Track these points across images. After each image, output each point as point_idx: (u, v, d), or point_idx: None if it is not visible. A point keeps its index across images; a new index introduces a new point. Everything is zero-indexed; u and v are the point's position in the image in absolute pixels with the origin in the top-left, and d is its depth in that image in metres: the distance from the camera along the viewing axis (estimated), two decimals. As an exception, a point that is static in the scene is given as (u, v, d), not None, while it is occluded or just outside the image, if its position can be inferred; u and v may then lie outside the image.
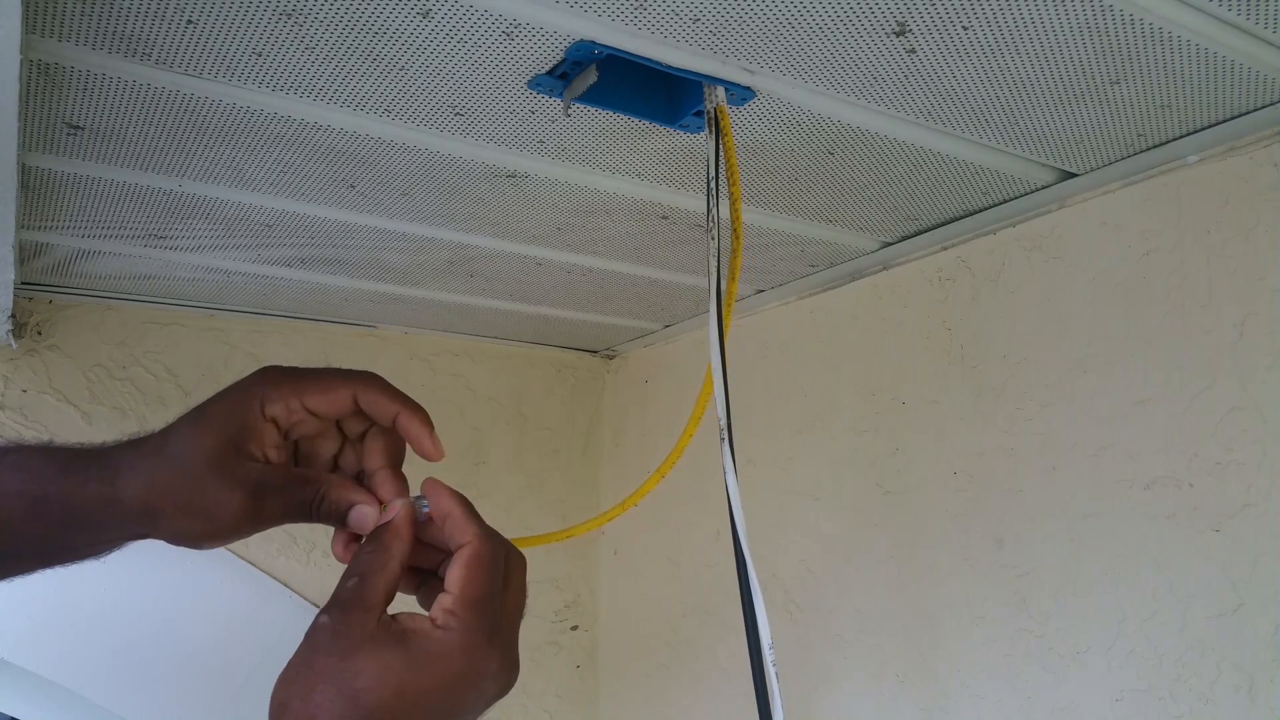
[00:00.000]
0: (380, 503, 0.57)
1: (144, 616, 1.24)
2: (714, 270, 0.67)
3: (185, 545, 0.55)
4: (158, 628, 1.25)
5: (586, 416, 1.68)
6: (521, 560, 0.54)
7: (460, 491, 0.56)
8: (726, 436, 0.65)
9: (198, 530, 0.54)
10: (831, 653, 1.15)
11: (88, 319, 1.27)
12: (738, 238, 0.68)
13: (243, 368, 1.35)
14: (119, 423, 1.27)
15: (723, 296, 0.66)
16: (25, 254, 1.07)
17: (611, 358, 1.70)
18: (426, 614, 0.50)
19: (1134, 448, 0.86)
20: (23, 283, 1.18)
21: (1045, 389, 0.95)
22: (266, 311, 1.36)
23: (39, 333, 1.24)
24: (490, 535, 0.53)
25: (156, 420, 1.29)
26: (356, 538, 0.57)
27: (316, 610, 0.49)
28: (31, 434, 1.22)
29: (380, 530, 0.53)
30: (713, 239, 0.68)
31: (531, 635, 1.54)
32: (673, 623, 1.45)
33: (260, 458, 0.55)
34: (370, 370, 0.59)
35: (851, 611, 1.14)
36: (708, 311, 0.67)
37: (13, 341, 1.21)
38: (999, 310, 1.01)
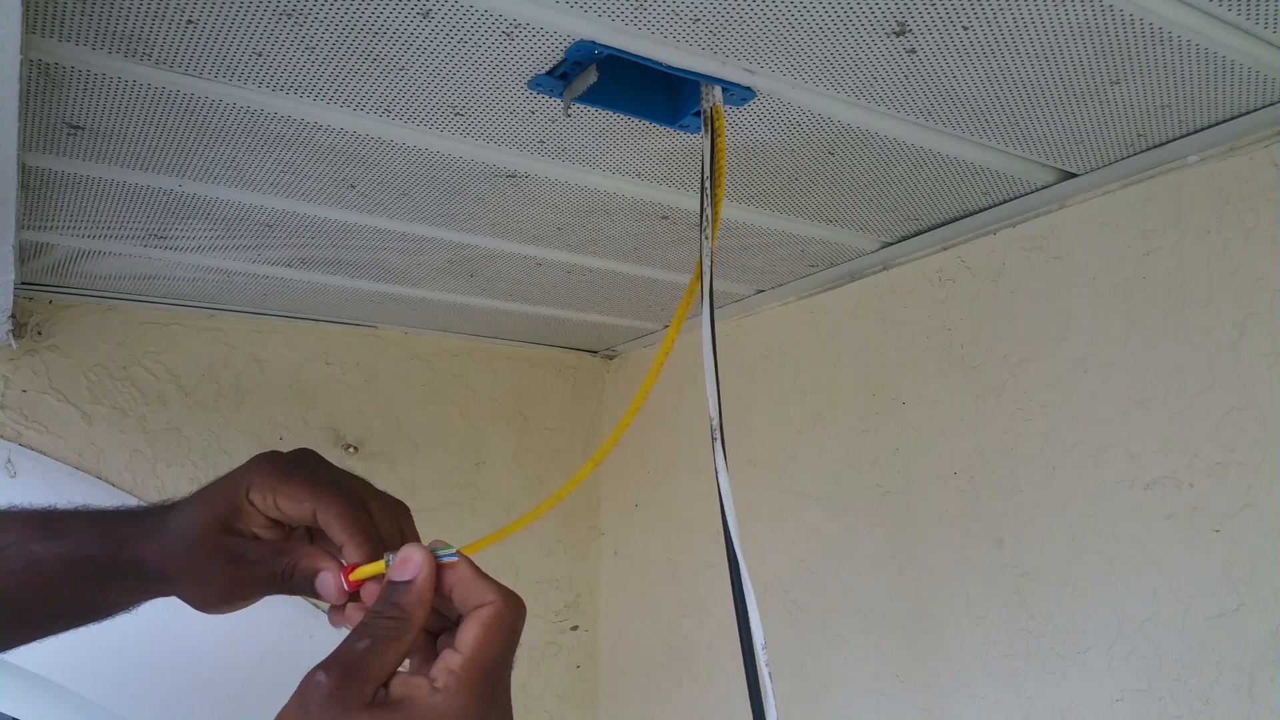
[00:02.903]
0: (345, 568, 0.55)
1: (144, 616, 1.24)
2: (707, 270, 0.67)
3: (198, 609, 0.59)
4: (157, 627, 1.24)
5: (586, 416, 1.68)
6: (525, 612, 0.51)
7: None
8: (718, 436, 0.65)
9: (200, 595, 0.58)
10: (831, 653, 1.15)
11: (88, 319, 1.27)
12: (712, 239, 0.68)
13: (242, 368, 1.37)
14: (119, 423, 1.27)
15: (714, 296, 0.66)
16: (25, 254, 1.07)
17: (611, 358, 1.70)
18: (423, 677, 0.47)
19: (1134, 448, 0.86)
20: (23, 283, 1.18)
21: (1045, 389, 0.95)
22: (266, 311, 1.36)
23: (39, 333, 1.24)
24: (512, 597, 0.50)
25: (156, 420, 1.29)
26: (355, 607, 0.56)
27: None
28: (32, 434, 1.22)
29: (402, 593, 0.49)
30: (705, 239, 0.68)
31: (531, 635, 1.54)
32: (673, 623, 1.45)
33: (247, 535, 0.58)
34: (356, 480, 0.59)
35: (851, 611, 1.14)
36: (698, 311, 0.67)
37: (13, 341, 1.21)
38: (999, 310, 1.01)
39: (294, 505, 0.57)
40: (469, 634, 0.48)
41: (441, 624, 0.53)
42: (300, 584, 0.56)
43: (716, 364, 0.65)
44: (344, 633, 0.50)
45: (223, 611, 0.59)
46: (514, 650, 0.49)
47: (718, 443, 0.64)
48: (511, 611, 0.49)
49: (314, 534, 0.61)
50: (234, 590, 0.57)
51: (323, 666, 0.47)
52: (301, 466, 0.59)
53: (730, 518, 0.62)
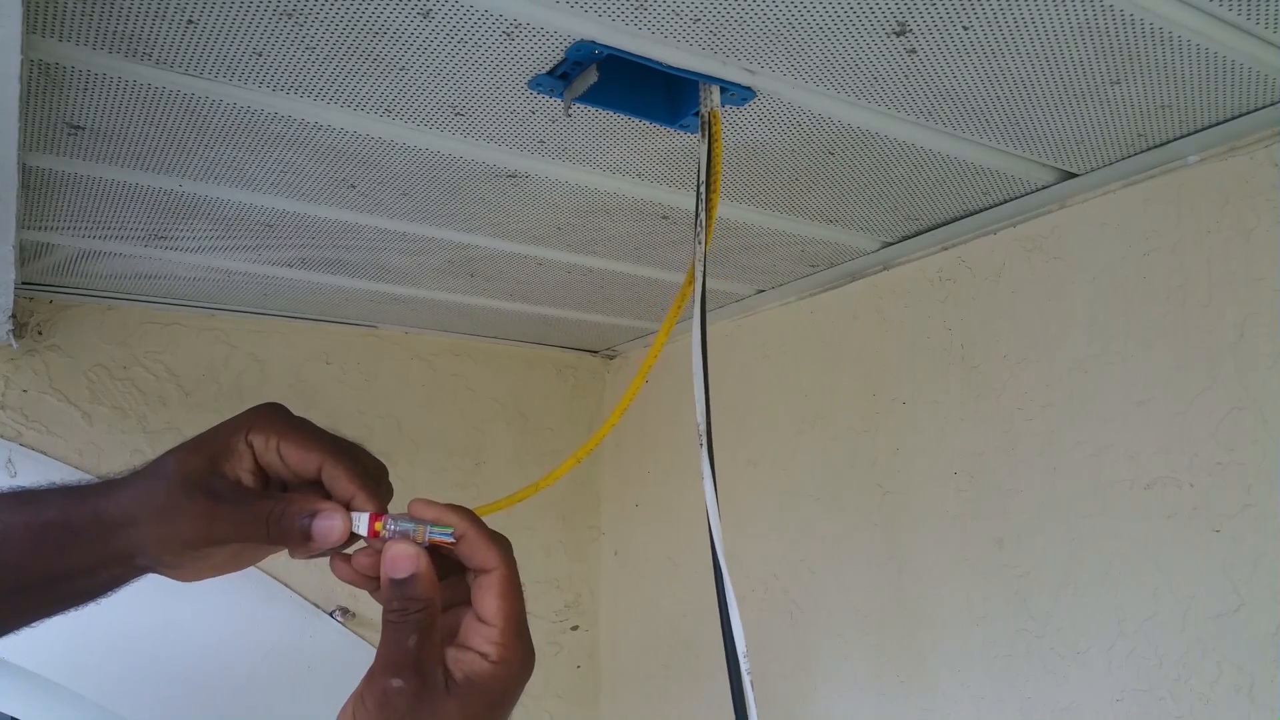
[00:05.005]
0: (373, 515, 0.54)
1: (145, 616, 1.24)
2: (699, 274, 0.66)
3: (158, 560, 0.55)
4: (158, 627, 1.25)
5: (586, 416, 1.68)
6: (512, 550, 0.55)
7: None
8: (705, 442, 0.64)
9: (167, 536, 0.54)
10: (832, 653, 1.15)
11: (88, 319, 1.27)
12: (705, 243, 0.68)
13: (242, 368, 1.37)
14: (119, 423, 1.27)
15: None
16: (26, 254, 1.07)
17: (612, 358, 1.70)
18: (472, 653, 0.51)
19: (1134, 448, 0.86)
20: (23, 283, 1.18)
21: (1045, 389, 0.95)
22: (266, 311, 1.36)
23: (39, 333, 1.24)
24: (508, 552, 0.53)
25: (157, 420, 1.29)
26: (354, 553, 0.55)
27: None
28: (32, 434, 1.22)
29: (416, 584, 0.51)
30: (699, 243, 0.68)
31: (532, 635, 1.54)
32: (673, 623, 1.45)
33: (231, 477, 0.56)
34: (360, 446, 0.59)
35: (852, 612, 1.14)
36: (691, 314, 0.66)
37: (13, 341, 1.21)
38: (999, 310, 1.01)
39: (300, 453, 0.56)
40: (492, 606, 0.52)
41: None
42: (289, 527, 0.54)
43: (706, 370, 0.64)
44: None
45: (186, 561, 0.55)
46: (522, 591, 0.53)
47: (705, 449, 0.63)
48: (514, 570, 0.53)
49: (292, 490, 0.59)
50: (208, 529, 0.54)
51: (391, 673, 0.49)
52: (306, 421, 0.58)
53: (715, 529, 0.61)
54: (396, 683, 0.48)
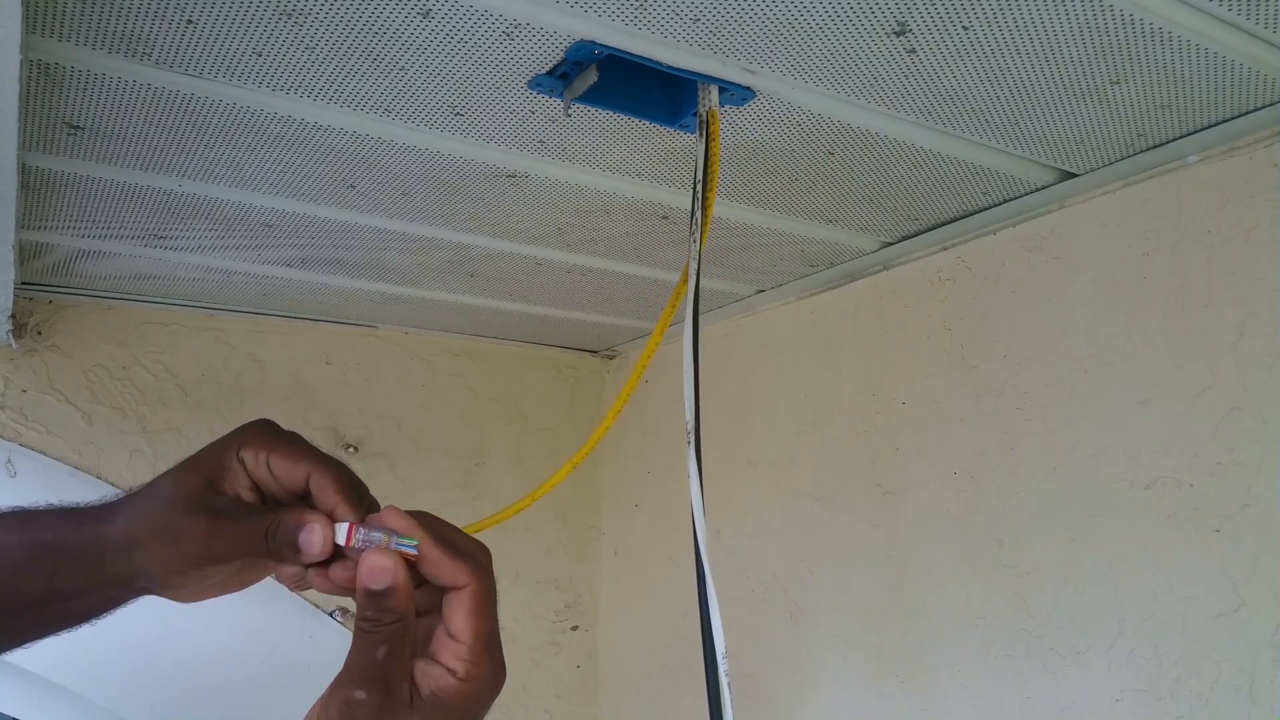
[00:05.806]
0: (351, 525, 0.54)
1: (144, 615, 1.24)
2: (693, 273, 0.66)
3: (161, 583, 0.56)
4: (158, 627, 1.25)
5: (586, 416, 1.68)
6: (490, 560, 0.54)
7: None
8: (693, 440, 0.64)
9: (170, 558, 0.55)
10: (832, 653, 1.15)
11: (88, 319, 1.27)
12: (700, 242, 0.68)
13: (242, 368, 1.37)
14: (119, 423, 1.27)
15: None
16: (25, 254, 1.07)
17: (611, 358, 1.70)
18: (440, 667, 0.50)
19: (1134, 448, 0.86)
20: (23, 283, 1.18)
21: (1045, 389, 0.95)
22: (266, 311, 1.36)
23: (39, 333, 1.24)
24: (481, 564, 0.52)
25: (157, 420, 1.29)
26: (333, 564, 0.55)
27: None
28: (32, 434, 1.22)
29: (391, 597, 0.51)
30: (694, 241, 0.68)
31: (531, 635, 1.54)
32: (673, 623, 1.45)
33: (230, 494, 0.56)
34: (343, 463, 0.59)
35: (851, 611, 1.14)
36: (684, 312, 0.66)
37: (13, 341, 1.21)
38: (999, 310, 1.01)
39: (288, 466, 0.56)
40: (461, 622, 0.51)
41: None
42: (283, 539, 0.54)
43: (697, 369, 0.65)
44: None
45: (189, 581, 0.56)
46: (496, 605, 0.52)
47: (691, 447, 0.63)
48: (486, 586, 0.52)
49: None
50: (210, 547, 0.54)
51: (356, 684, 0.48)
52: (295, 435, 0.59)
53: (700, 529, 0.61)
54: (360, 695, 0.48)
